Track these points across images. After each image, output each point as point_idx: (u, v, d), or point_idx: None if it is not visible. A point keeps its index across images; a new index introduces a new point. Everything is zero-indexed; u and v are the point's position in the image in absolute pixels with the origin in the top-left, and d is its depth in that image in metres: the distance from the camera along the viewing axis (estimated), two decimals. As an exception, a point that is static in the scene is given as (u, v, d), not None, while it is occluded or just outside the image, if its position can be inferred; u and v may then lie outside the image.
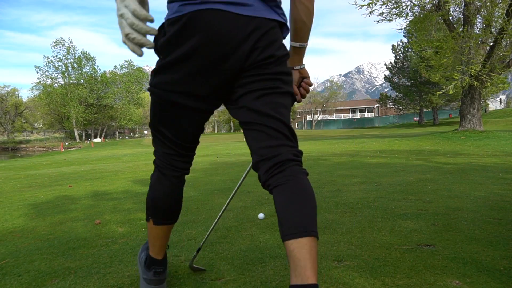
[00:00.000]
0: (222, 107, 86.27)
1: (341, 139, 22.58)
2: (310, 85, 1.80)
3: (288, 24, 1.62)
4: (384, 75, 55.09)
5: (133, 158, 16.11)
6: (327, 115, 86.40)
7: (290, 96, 1.57)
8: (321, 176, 6.36)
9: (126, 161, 14.11)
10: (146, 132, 75.41)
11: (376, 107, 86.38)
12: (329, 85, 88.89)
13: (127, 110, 65.34)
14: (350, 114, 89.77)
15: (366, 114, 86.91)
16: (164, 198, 1.81)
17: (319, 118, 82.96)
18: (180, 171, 1.81)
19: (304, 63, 1.78)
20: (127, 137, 72.59)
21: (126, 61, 69.32)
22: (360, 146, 15.18)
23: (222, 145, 26.32)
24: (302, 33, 1.66)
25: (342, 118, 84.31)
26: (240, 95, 1.53)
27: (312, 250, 1.35)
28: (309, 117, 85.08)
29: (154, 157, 1.88)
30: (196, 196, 4.78)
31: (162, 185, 1.81)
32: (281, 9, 1.57)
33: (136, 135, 74.43)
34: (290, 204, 1.41)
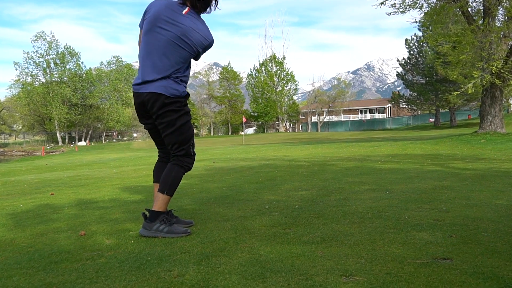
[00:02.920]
0: (219, 107, 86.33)
1: (349, 143, 22.58)
2: None
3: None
4: (397, 72, 55.14)
5: (121, 164, 16.11)
6: (334, 116, 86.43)
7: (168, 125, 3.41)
8: (327, 183, 6.36)
9: (113, 167, 14.11)
10: (135, 134, 75.46)
11: (388, 107, 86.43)
12: (336, 83, 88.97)
13: (115, 110, 65.40)
14: (359, 115, 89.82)
15: (376, 115, 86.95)
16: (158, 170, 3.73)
17: (325, 120, 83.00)
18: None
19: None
20: (114, 140, 72.62)
21: (113, 57, 69.69)
22: (370, 150, 15.18)
23: (218, 149, 26.30)
24: None
25: (351, 119, 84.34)
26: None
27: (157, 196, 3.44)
28: (314, 118, 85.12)
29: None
30: (190, 205, 4.79)
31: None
32: (165, 80, 3.31)
33: (125, 138, 74.46)
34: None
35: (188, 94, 3.48)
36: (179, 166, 3.46)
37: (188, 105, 3.54)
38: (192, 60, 3.50)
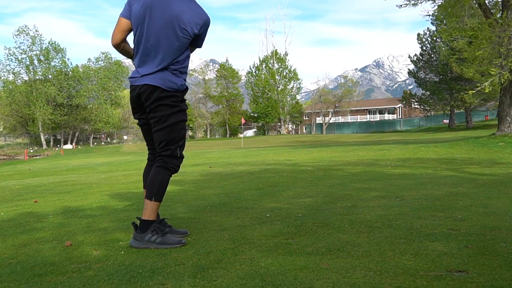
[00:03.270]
0: (216, 108, 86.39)
1: (357, 146, 22.59)
2: None
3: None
4: (408, 69, 55.23)
5: (111, 168, 16.11)
6: (340, 117, 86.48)
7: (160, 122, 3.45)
8: (333, 189, 6.36)
9: (102, 172, 14.11)
10: (125, 137, 75.52)
11: (399, 107, 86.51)
12: (342, 81, 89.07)
13: (104, 111, 65.38)
14: (368, 115, 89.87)
15: (386, 116, 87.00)
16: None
17: (330, 121, 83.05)
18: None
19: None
20: (103, 143, 72.62)
21: (102, 53, 69.50)
22: (379, 154, 15.19)
23: (215, 153, 26.31)
24: None
25: (358, 120, 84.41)
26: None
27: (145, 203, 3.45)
28: (319, 119, 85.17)
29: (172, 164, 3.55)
30: (184, 214, 4.79)
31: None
32: (162, 72, 3.38)
33: (114, 141, 74.48)
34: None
35: (186, 88, 3.51)
36: (164, 168, 3.47)
37: (185, 101, 3.56)
38: (195, 50, 3.58)
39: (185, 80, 3.52)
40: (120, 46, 3.52)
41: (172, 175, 3.56)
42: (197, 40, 3.47)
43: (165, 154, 3.48)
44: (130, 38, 3.55)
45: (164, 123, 3.42)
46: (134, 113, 3.64)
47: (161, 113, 3.40)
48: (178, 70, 3.43)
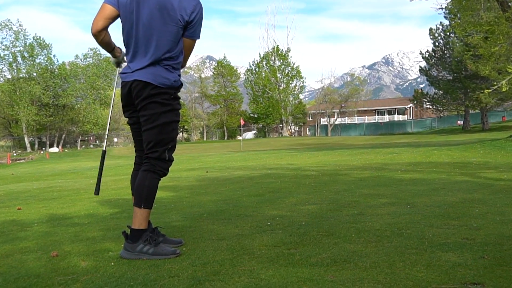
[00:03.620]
0: (213, 108, 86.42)
1: (365, 149, 22.59)
2: None
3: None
4: (420, 67, 55.28)
5: (100, 173, 16.08)
6: (346, 118, 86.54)
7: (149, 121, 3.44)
8: (338, 195, 6.36)
9: (90, 177, 14.11)
10: (116, 139, 75.54)
11: (409, 107, 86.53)
12: (349, 79, 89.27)
13: (92, 111, 65.45)
14: (376, 116, 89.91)
15: (396, 117, 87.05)
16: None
17: (336, 122, 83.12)
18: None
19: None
20: (91, 146, 72.67)
21: (91, 49, 69.61)
22: (388, 158, 15.19)
23: (212, 156, 26.31)
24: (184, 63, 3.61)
25: (366, 122, 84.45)
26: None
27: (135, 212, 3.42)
28: (323, 121, 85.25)
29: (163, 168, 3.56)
30: (179, 222, 4.79)
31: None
32: (152, 66, 3.38)
33: (103, 144, 74.45)
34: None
35: (181, 85, 3.51)
36: (151, 172, 3.45)
37: (179, 99, 3.56)
38: (194, 43, 3.54)
39: (179, 76, 3.51)
40: (101, 35, 3.41)
41: (161, 178, 3.54)
42: (191, 29, 3.44)
43: (152, 157, 3.46)
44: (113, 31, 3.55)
45: (153, 122, 3.40)
46: (125, 111, 3.64)
47: (151, 112, 3.39)
48: (171, 65, 3.42)
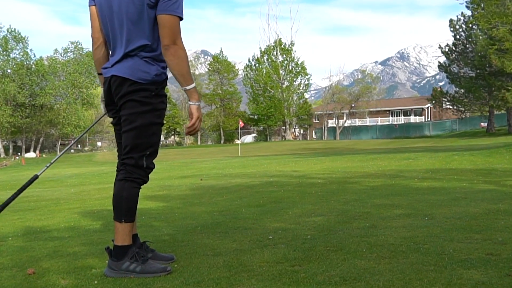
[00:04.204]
0: (208, 108, 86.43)
1: (377, 154, 22.60)
2: (189, 124, 3.49)
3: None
4: (439, 62, 55.29)
5: (82, 181, 16.11)
6: (357, 119, 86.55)
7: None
8: (348, 206, 6.36)
9: (71, 185, 14.11)
10: (99, 143, 75.56)
11: (427, 108, 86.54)
12: (360, 76, 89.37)
13: (73, 112, 65.44)
14: (390, 118, 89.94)
15: (412, 118, 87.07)
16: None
17: (345, 124, 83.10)
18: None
19: (192, 101, 3.42)
20: (72, 150, 72.60)
21: (71, 43, 69.68)
22: (404, 164, 15.19)
23: (207, 162, 26.31)
24: (178, 80, 3.34)
25: (379, 123, 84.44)
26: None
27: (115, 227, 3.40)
28: (331, 123, 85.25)
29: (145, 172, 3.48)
30: (170, 235, 4.79)
31: None
32: (130, 58, 3.32)
33: (86, 148, 74.59)
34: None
35: (165, 79, 3.43)
36: (129, 180, 3.39)
37: (165, 97, 3.48)
38: (179, 22, 3.27)
39: (164, 68, 3.40)
40: (97, 39, 3.52)
41: (144, 186, 3.51)
42: (166, 4, 3.21)
43: (128, 163, 3.40)
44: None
45: (130, 124, 3.34)
46: (108, 110, 3.63)
47: (129, 111, 3.33)
48: (151, 57, 3.35)
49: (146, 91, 3.30)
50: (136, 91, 3.28)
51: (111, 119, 3.66)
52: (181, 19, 3.27)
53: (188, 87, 3.37)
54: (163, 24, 3.23)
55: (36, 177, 3.70)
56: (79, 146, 76.05)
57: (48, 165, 3.82)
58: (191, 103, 3.44)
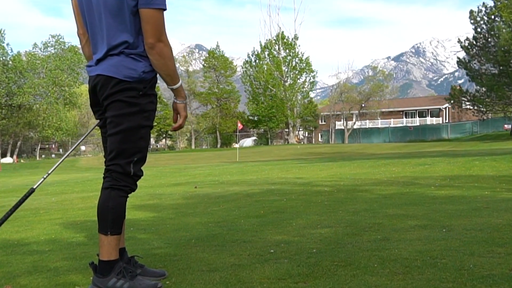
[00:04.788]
0: (203, 109, 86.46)
1: (390, 159, 22.60)
2: (177, 123, 3.55)
3: None
4: (458, 58, 55.31)
5: (64, 189, 16.09)
6: (367, 120, 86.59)
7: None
8: (358, 216, 6.36)
9: (52, 194, 14.10)
10: (83, 147, 75.56)
11: (445, 108, 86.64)
12: (370, 73, 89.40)
13: (55, 113, 65.46)
14: (404, 119, 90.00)
15: (429, 120, 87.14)
16: None
17: (355, 126, 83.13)
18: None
19: (179, 100, 3.50)
20: (53, 156, 72.74)
21: (52, 37, 69.67)
22: (419, 170, 15.20)
23: (202, 168, 26.30)
24: (164, 79, 3.40)
25: (391, 126, 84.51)
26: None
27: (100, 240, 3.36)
28: (339, 124, 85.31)
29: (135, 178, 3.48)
30: (161, 249, 4.79)
31: None
32: (117, 56, 3.29)
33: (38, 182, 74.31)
34: None
35: (154, 77, 3.41)
36: (115, 189, 3.36)
37: (154, 97, 3.45)
38: (162, 13, 3.25)
39: (151, 65, 3.36)
40: (83, 36, 3.56)
41: (129, 195, 3.47)
42: None
43: (114, 170, 3.38)
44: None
45: (116, 127, 3.33)
46: (94, 111, 3.62)
47: (114, 113, 3.32)
48: (137, 53, 3.33)
49: (133, 90, 3.28)
50: (122, 91, 3.26)
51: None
52: (165, 9, 3.25)
53: (175, 86, 3.42)
54: (146, 19, 3.20)
55: (32, 190, 3.62)
56: (60, 150, 76.16)
57: (45, 177, 3.70)
58: (178, 101, 3.51)
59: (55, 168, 3.77)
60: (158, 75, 3.44)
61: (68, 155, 4.08)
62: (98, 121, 3.63)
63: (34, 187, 3.60)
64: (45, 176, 3.69)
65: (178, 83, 3.42)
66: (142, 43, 3.29)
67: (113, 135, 3.33)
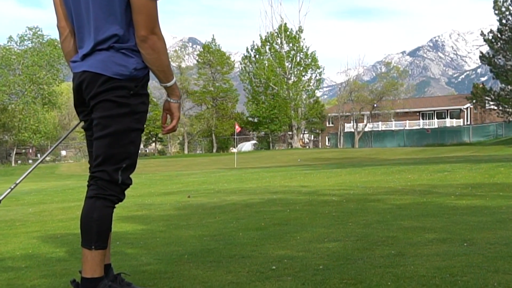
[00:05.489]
0: (197, 109, 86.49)
1: (405, 165, 22.61)
2: (170, 124, 3.52)
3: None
4: (480, 53, 55.30)
5: (42, 199, 16.10)
6: (380, 122, 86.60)
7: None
8: (370, 229, 6.37)
9: (29, 204, 14.11)
10: (64, 152, 75.53)
11: (466, 108, 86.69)
12: (384, 70, 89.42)
13: (32, 114, 65.43)
14: (421, 121, 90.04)
15: (448, 121, 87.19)
16: None
17: (366, 128, 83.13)
18: None
19: (173, 99, 3.49)
20: (31, 161, 72.70)
21: (29, 29, 69.62)
22: (438, 178, 15.21)
23: (196, 175, 26.31)
24: (157, 76, 3.39)
25: (407, 128, 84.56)
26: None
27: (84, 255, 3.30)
28: (348, 127, 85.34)
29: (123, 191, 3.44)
30: (151, 265, 4.79)
31: None
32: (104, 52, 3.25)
33: (48, 158, 74.52)
34: None
35: (147, 75, 3.37)
36: (101, 198, 3.29)
37: (146, 97, 3.41)
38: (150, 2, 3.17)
39: (143, 62, 3.31)
40: (63, 30, 3.50)
41: (116, 205, 3.41)
42: None
43: (99, 177, 3.31)
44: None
45: (103, 129, 3.27)
46: (78, 112, 3.57)
47: (101, 114, 3.26)
48: (128, 48, 3.29)
49: (123, 89, 3.23)
50: (111, 90, 3.21)
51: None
52: None
53: (169, 84, 3.39)
54: (138, 10, 3.16)
55: None
56: (38, 155, 76.12)
57: (12, 187, 3.67)
58: (172, 100, 3.48)
59: (25, 177, 3.74)
60: (150, 73, 3.39)
61: (42, 161, 4.07)
62: (80, 122, 3.60)
63: (0, 198, 3.55)
64: (12, 187, 3.63)
65: (172, 80, 3.38)
66: (134, 36, 3.24)
67: (100, 138, 3.28)
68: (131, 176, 3.43)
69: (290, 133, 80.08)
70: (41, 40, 69.02)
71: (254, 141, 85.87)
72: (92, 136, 3.42)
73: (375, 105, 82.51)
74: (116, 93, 3.21)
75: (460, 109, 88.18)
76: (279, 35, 79.32)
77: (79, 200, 13.88)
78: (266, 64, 78.47)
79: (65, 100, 79.51)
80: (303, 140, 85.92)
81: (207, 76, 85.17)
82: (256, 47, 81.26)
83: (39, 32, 69.58)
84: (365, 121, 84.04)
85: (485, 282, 3.74)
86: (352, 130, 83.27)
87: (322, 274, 4.14)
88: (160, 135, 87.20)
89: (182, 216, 8.81)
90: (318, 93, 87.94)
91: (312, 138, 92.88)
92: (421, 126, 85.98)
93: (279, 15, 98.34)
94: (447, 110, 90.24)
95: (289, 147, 77.66)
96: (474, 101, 58.96)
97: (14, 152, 71.53)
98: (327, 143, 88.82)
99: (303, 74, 79.34)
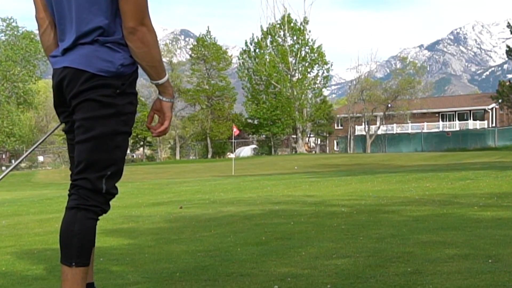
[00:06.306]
0: (190, 110, 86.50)
1: (423, 172, 22.62)
2: (162, 126, 3.44)
3: None
4: (507, 47, 55.39)
5: (17, 210, 16.11)
6: (394, 124, 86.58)
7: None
8: (383, 244, 6.38)
9: (2, 216, 14.12)
10: (41, 158, 75.54)
11: (491, 109, 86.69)
12: (399, 66, 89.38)
13: (6, 115, 65.51)
14: (440, 123, 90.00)
15: (471, 123, 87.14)
16: None
17: (379, 131, 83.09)
18: None
19: (165, 98, 3.43)
20: (4, 168, 72.67)
21: (3, 20, 69.69)
22: (459, 186, 15.21)
23: (190, 184, 26.31)
24: (147, 72, 3.33)
25: (425, 131, 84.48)
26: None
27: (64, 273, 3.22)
28: (359, 129, 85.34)
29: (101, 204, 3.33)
30: (139, 284, 4.80)
31: None
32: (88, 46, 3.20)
33: (23, 165, 74.54)
34: None
35: (135, 70, 3.31)
36: (83, 209, 3.20)
37: (135, 96, 3.36)
38: None
39: (132, 57, 3.25)
40: (43, 22, 3.44)
41: (100, 217, 3.34)
42: None
43: (81, 186, 3.23)
44: None
45: (86, 132, 3.19)
46: (58, 112, 3.49)
47: (84, 115, 3.18)
48: (115, 41, 3.22)
49: (109, 87, 3.17)
50: (95, 88, 3.14)
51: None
52: None
53: (161, 81, 3.33)
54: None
55: None
56: (13, 161, 76.07)
57: None
58: (165, 99, 3.41)
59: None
60: (139, 69, 3.34)
61: (16, 167, 4.08)
62: (61, 123, 3.56)
63: None
64: None
65: (165, 77, 3.32)
66: (120, 28, 3.19)
67: (82, 142, 3.22)
68: (116, 184, 3.37)
69: (294, 136, 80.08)
70: (15, 33, 69.14)
71: (254, 146, 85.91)
72: (73, 139, 3.35)
73: (389, 105, 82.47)
74: (101, 92, 3.14)
75: (485, 109, 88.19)
76: (282, 27, 79.34)
77: (59, 212, 13.89)
78: (268, 60, 78.42)
79: (43, 100, 79.58)
80: (309, 144, 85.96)
81: (201, 72, 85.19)
82: (256, 40, 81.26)
83: (13, 24, 69.73)
84: (378, 123, 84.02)
85: (512, 303, 3.75)
86: (364, 133, 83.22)
87: (330, 294, 4.15)
88: (149, 139, 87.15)
89: (173, 229, 8.82)
90: (325, 92, 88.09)
91: (319, 142, 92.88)
92: (440, 129, 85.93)
93: (282, 4, 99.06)
94: (470, 110, 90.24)
95: (293, 152, 77.64)
96: (500, 100, 59.14)
97: (-14, 158, 71.61)
98: (335, 148, 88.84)
99: (309, 70, 79.33)
